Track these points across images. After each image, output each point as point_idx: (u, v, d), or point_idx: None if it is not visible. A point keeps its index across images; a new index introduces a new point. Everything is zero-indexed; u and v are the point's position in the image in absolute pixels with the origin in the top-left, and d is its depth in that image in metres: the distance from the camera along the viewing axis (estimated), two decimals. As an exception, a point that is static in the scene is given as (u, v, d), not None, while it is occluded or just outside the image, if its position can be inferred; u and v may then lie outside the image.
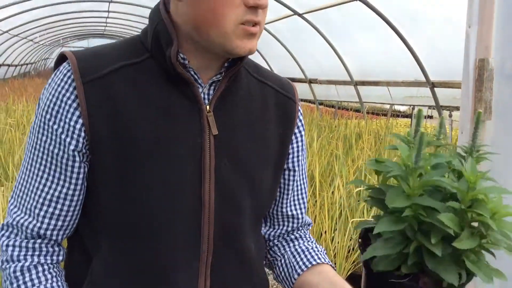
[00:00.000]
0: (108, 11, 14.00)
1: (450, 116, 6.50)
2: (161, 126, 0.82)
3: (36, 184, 0.83)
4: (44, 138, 0.82)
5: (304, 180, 1.05)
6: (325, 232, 3.36)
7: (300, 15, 7.43)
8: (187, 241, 0.85)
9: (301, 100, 11.51)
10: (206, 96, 0.87)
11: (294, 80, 9.47)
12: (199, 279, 0.86)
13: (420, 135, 0.70)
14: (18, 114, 7.31)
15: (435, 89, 5.72)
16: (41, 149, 0.83)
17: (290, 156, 0.99)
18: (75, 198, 0.84)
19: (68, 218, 0.85)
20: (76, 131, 0.80)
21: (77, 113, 0.80)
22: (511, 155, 1.37)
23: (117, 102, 0.80)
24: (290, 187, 1.02)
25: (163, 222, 0.83)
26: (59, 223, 0.84)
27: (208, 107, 0.86)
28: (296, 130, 0.99)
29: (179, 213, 0.84)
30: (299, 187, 1.04)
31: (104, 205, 0.83)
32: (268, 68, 8.16)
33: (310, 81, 8.89)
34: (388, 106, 10.73)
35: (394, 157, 4.40)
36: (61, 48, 29.91)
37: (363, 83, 7.41)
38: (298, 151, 1.00)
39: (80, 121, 0.80)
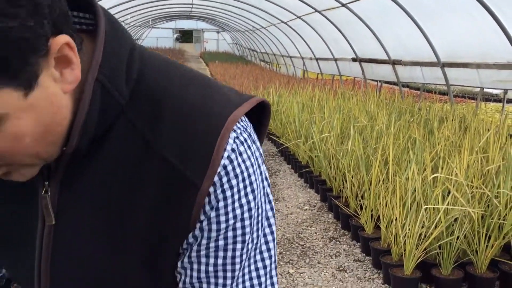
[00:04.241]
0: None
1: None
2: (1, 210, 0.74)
3: None
4: None
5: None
6: (396, 219, 3.28)
7: (384, -7, 7.16)
8: None
9: (384, 82, 11.05)
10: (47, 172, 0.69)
11: (376, 61, 9.19)
12: None
13: None
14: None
15: (530, 72, 5.31)
16: None
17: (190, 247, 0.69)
18: None
19: None
20: None
21: None
22: None
23: None
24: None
25: None
26: None
27: (49, 187, 0.68)
28: (205, 223, 0.66)
29: None
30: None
31: None
32: (349, 49, 7.84)
33: (394, 62, 8.57)
34: (478, 90, 10.13)
35: (478, 144, 4.17)
36: (151, 29, 31.18)
37: (451, 64, 7.03)
38: (200, 245, 0.68)
39: None
